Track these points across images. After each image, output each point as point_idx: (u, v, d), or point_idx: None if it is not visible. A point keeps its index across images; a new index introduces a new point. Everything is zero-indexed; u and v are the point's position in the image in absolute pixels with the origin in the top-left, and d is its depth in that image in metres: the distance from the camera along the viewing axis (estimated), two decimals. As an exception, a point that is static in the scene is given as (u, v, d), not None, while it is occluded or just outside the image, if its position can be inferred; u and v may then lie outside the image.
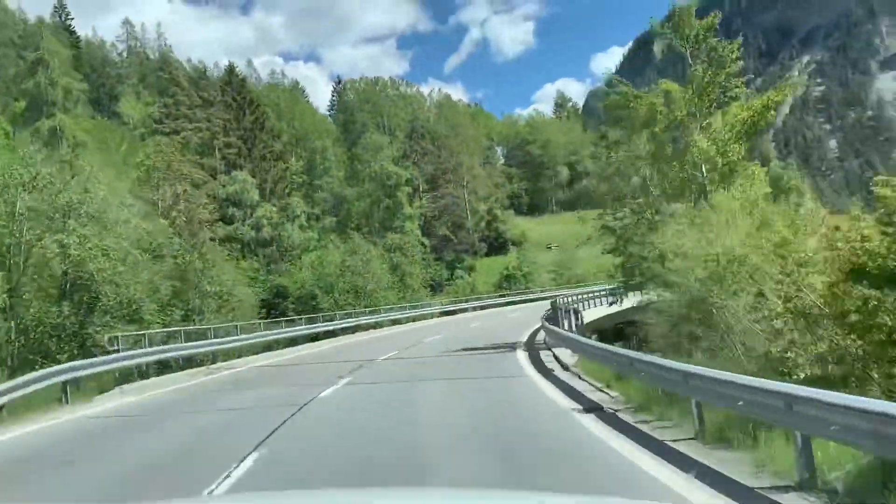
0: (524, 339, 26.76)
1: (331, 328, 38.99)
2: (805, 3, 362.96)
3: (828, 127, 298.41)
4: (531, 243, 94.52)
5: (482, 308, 57.90)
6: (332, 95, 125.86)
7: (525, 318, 40.32)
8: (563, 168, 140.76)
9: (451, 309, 56.38)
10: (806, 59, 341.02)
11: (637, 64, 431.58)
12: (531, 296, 64.81)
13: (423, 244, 71.97)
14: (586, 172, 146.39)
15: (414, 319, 48.94)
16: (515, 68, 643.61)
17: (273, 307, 56.52)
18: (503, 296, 63.55)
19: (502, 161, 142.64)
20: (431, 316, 51.75)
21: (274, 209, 67.16)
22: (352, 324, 41.46)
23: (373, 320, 44.24)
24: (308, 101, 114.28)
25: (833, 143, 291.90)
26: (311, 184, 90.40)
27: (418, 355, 22.24)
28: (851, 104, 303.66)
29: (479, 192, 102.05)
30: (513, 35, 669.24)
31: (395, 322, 47.52)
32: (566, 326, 23.81)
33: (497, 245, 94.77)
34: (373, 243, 64.74)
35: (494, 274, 73.23)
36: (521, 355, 19.93)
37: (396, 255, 60.04)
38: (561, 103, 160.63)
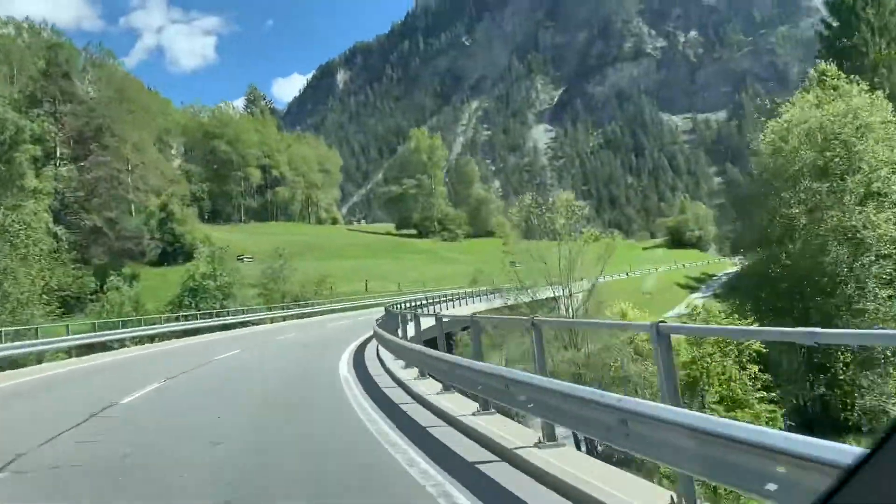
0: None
1: None
2: (475, 54, 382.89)
3: (493, 168, 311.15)
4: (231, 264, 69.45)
5: (151, 339, 32.65)
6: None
7: (259, 369, 17.61)
8: (255, 171, 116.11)
9: (100, 340, 30.20)
10: (475, 104, 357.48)
11: (320, 91, 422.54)
12: (231, 319, 40.42)
13: (54, 234, 43.85)
14: (281, 177, 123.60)
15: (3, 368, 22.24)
16: (192, 82, 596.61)
17: None
18: (187, 317, 38.22)
19: (178, 161, 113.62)
20: (55, 356, 25.39)
21: None
22: None
23: None
24: None
25: (497, 184, 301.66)
26: None
27: None
28: (513, 149, 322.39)
29: (152, 182, 74.13)
30: (191, 48, 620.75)
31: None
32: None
33: (173, 252, 67.95)
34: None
35: (172, 287, 47.43)
36: None
37: (-6, 244, 32.02)
38: (253, 99, 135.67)
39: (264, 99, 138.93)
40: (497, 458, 6.39)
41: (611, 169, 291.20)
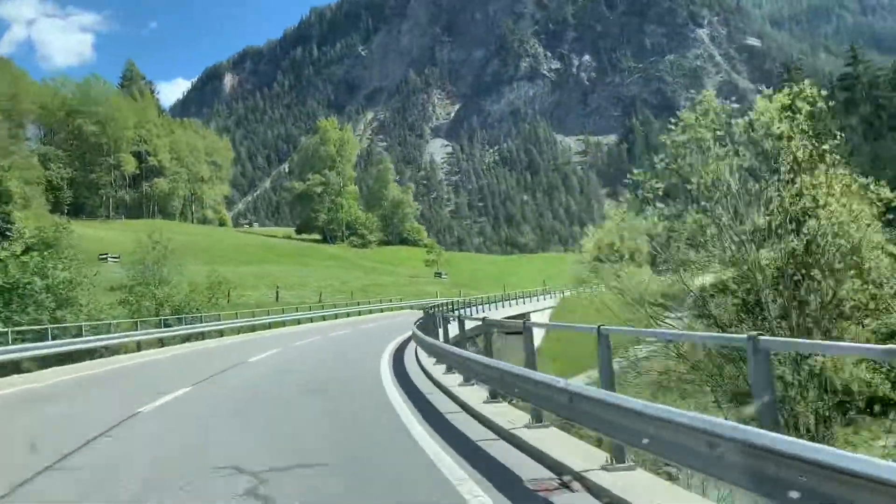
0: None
1: None
2: (370, 64, 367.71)
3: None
4: (74, 251, 50.48)
5: None
6: None
7: None
8: (129, 158, 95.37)
9: None
10: (370, 115, 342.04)
11: (206, 95, 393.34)
12: (65, 346, 22.99)
13: None
14: (161, 167, 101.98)
15: None
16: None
17: None
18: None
19: (33, 146, 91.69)
20: None
21: None
22: None
23: None
24: None
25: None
26: None
27: None
28: (409, 162, 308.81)
29: (-19, 152, 54.40)
30: (67, 44, 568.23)
31: None
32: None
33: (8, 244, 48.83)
34: None
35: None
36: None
37: None
38: (131, 77, 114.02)
39: (143, 79, 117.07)
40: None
41: (507, 186, 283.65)
